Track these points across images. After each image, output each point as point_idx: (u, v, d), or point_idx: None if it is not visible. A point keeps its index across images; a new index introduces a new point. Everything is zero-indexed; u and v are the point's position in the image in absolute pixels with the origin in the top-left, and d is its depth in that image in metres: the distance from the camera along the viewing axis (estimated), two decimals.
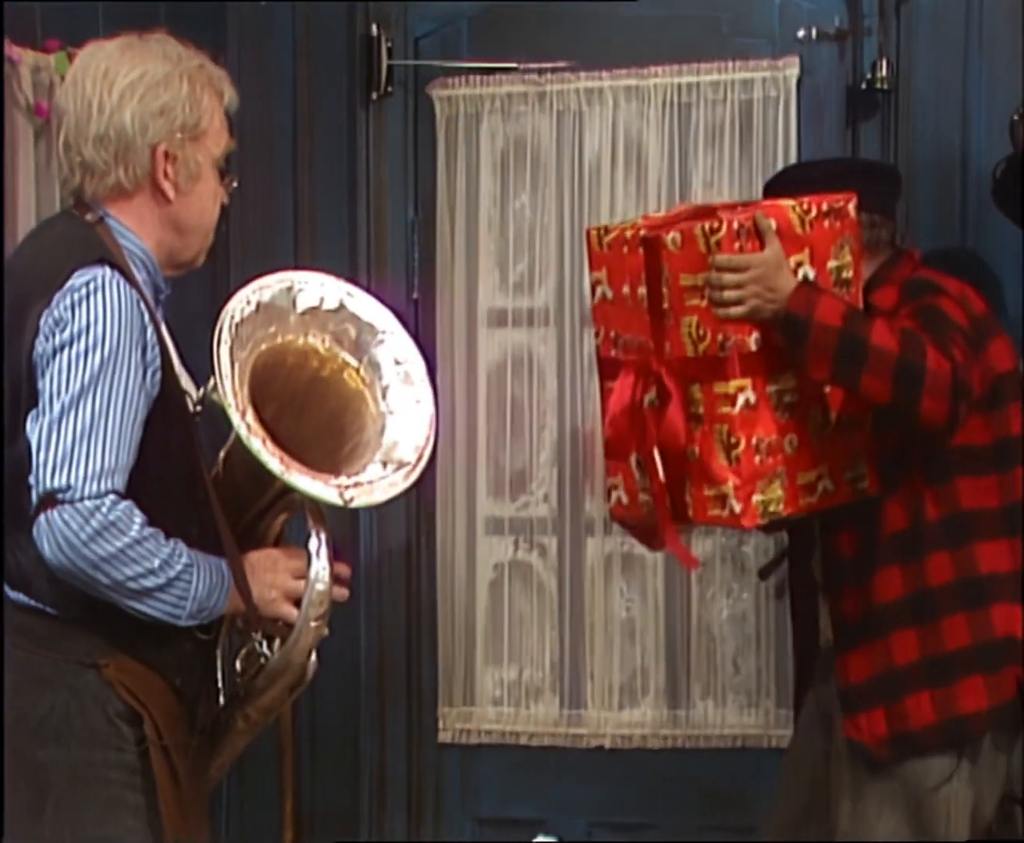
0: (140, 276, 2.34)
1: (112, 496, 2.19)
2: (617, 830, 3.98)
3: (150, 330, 2.27)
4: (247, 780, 3.84)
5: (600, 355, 2.93)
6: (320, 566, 2.29)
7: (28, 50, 3.38)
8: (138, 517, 2.21)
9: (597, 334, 2.93)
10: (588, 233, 2.92)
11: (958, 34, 3.75)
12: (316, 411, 2.40)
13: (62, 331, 2.23)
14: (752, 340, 2.72)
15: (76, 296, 2.24)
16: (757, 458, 2.72)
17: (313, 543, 2.29)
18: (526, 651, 3.99)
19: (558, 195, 3.92)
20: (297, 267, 3.91)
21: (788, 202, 2.78)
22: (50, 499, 2.19)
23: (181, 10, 3.82)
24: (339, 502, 2.25)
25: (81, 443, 2.19)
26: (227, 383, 2.23)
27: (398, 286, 3.95)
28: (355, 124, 3.94)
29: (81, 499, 2.18)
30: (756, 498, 2.72)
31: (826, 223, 2.79)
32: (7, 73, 3.35)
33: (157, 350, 2.28)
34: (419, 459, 2.35)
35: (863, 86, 3.77)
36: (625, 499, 2.89)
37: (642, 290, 2.77)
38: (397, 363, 2.40)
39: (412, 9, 3.94)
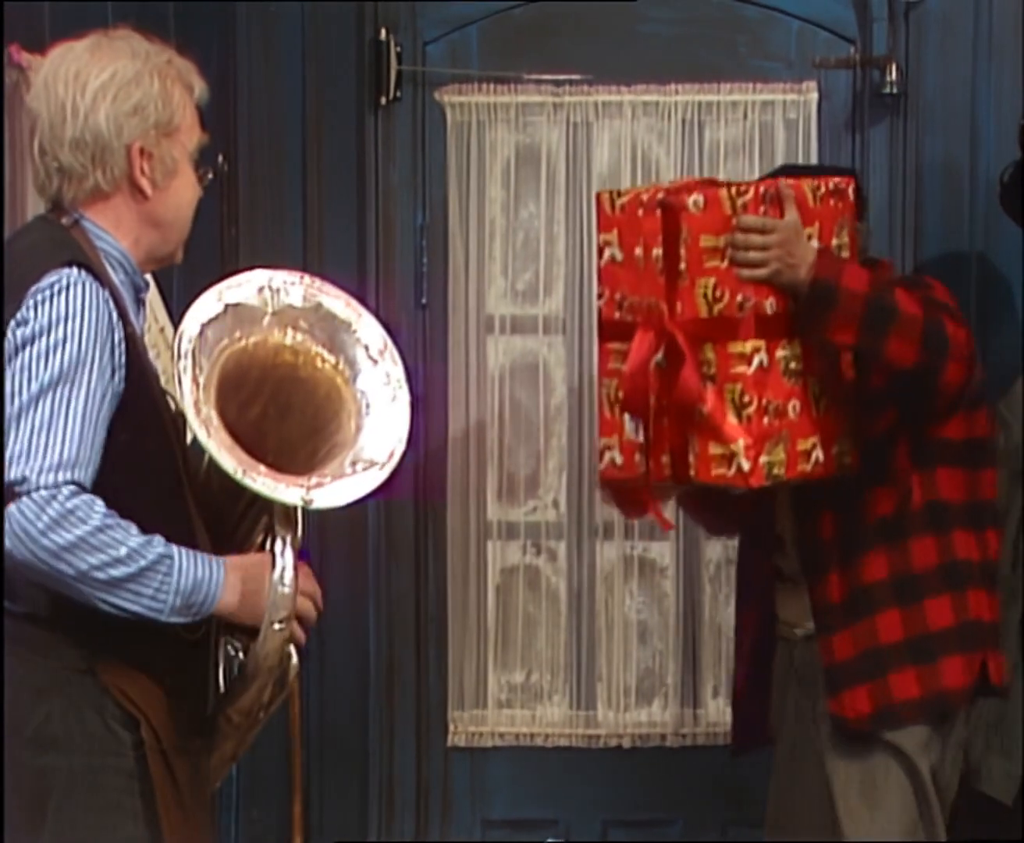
0: (117, 277, 2.33)
1: (71, 487, 2.17)
2: (632, 828, 3.99)
3: (118, 330, 2.26)
4: (256, 783, 3.84)
5: (602, 317, 2.99)
6: (282, 568, 2.25)
7: (37, 56, 3.38)
8: (100, 507, 2.18)
9: (601, 296, 2.98)
10: (599, 196, 2.97)
11: (967, 40, 3.77)
12: (299, 412, 2.37)
13: (24, 329, 2.22)
14: (768, 303, 2.81)
15: (41, 296, 2.23)
16: (766, 420, 2.80)
17: (278, 546, 2.26)
18: (535, 654, 4.00)
19: (568, 205, 3.92)
20: (306, 270, 3.98)
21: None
22: (9, 493, 2.18)
23: (190, 15, 3.83)
24: (299, 503, 2.23)
25: (39, 437, 2.17)
26: (186, 384, 2.21)
27: (407, 291, 3.95)
28: (364, 129, 3.93)
29: (37, 489, 2.16)
30: (763, 459, 2.80)
31: (832, 201, 2.90)
32: (17, 79, 3.36)
33: (123, 348, 2.26)
34: (389, 458, 2.31)
35: (872, 91, 3.78)
36: (619, 459, 2.93)
37: (657, 251, 2.84)
38: (373, 361, 2.37)
39: (421, 14, 3.93)
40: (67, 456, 2.18)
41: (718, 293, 2.80)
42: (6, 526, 2.18)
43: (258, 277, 2.35)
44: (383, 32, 3.90)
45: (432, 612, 4.00)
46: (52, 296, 2.23)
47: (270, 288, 2.34)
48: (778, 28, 3.86)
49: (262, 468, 2.23)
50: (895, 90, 3.76)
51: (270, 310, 2.33)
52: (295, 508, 2.28)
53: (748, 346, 2.80)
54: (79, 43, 2.37)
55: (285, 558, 2.26)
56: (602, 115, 3.90)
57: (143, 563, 2.20)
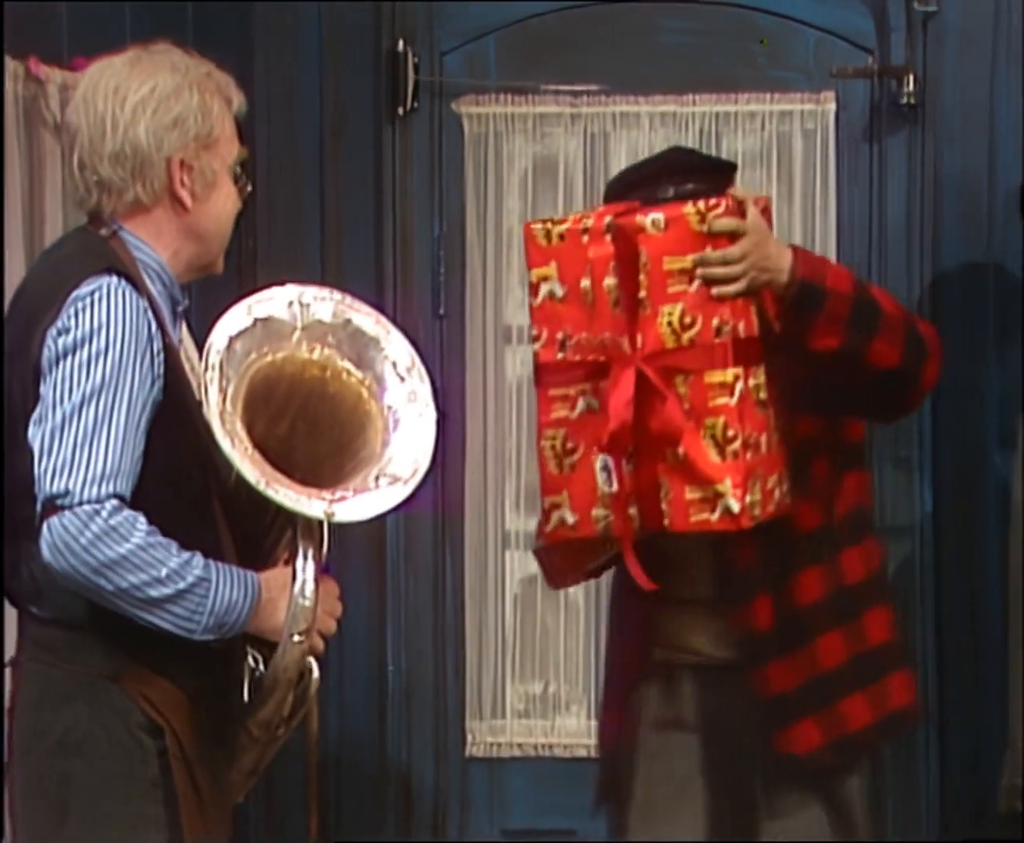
0: (155, 288, 2.34)
1: (113, 501, 2.18)
2: None
3: (157, 340, 2.26)
4: (273, 792, 3.85)
5: (540, 360, 2.68)
6: (303, 581, 2.26)
7: (55, 69, 3.39)
8: (143, 525, 2.19)
9: (537, 338, 2.69)
10: (528, 228, 2.68)
11: (985, 50, 3.76)
12: (326, 427, 2.37)
13: (66, 338, 2.23)
14: (742, 326, 2.58)
15: (80, 304, 2.24)
16: (749, 454, 2.57)
17: (299, 559, 2.26)
18: (553, 664, 3.99)
19: None
20: (324, 283, 4.01)
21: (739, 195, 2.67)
22: (51, 505, 2.18)
23: (208, 27, 3.84)
24: (321, 517, 2.23)
25: (82, 449, 2.18)
26: (213, 395, 2.21)
27: (424, 302, 3.96)
28: (381, 140, 3.94)
29: (80, 503, 2.17)
30: (748, 498, 2.57)
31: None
32: (35, 92, 3.37)
33: (162, 358, 2.27)
34: (414, 474, 2.30)
35: (890, 102, 3.78)
36: (572, 518, 2.66)
37: (609, 281, 2.62)
38: (400, 378, 2.36)
39: (439, 24, 3.94)
40: (110, 468, 2.18)
41: (687, 320, 2.56)
42: (46, 537, 2.19)
43: (288, 292, 2.35)
44: (400, 43, 3.91)
45: (450, 622, 4.00)
46: (93, 303, 2.23)
47: (300, 303, 2.34)
48: (796, 38, 3.86)
49: (284, 480, 2.23)
50: (913, 100, 3.76)
51: (299, 325, 2.33)
52: (318, 522, 2.28)
53: (729, 374, 2.54)
54: (118, 57, 2.37)
55: (307, 571, 2.26)
56: (619, 126, 3.91)
57: (182, 585, 2.21)
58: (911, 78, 3.75)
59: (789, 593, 2.75)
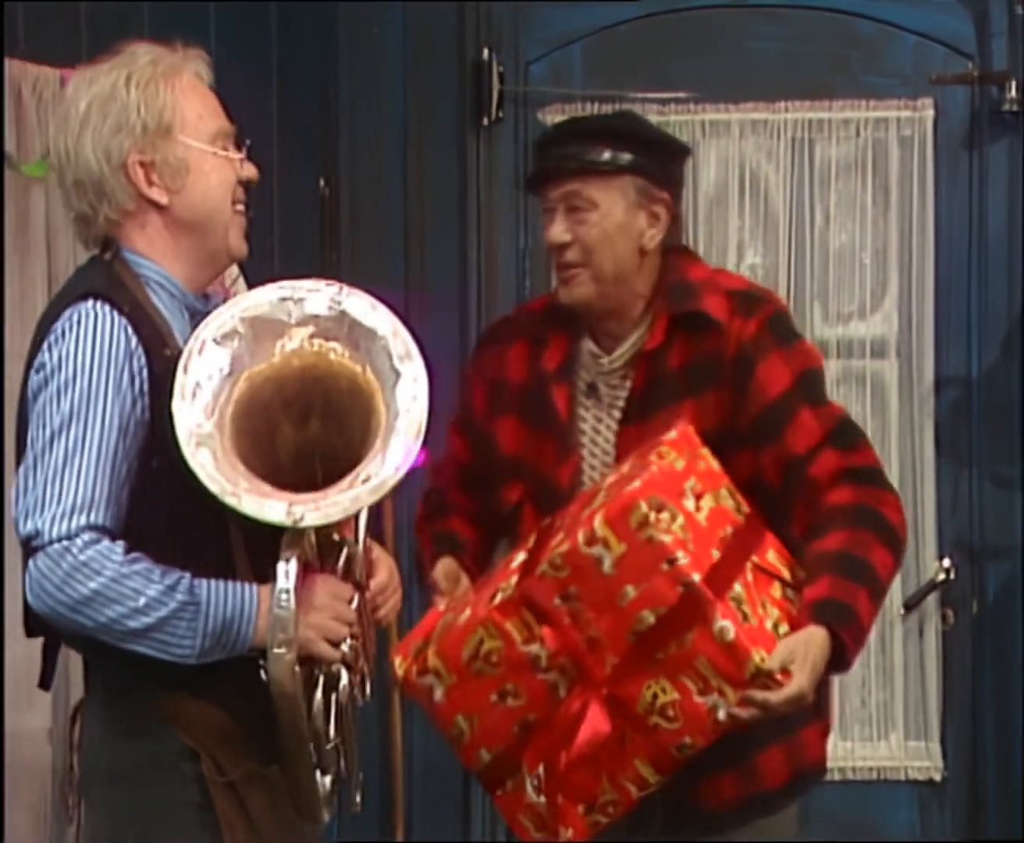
0: (161, 302, 2.27)
1: (86, 535, 2.12)
2: None
3: (139, 358, 2.19)
4: (358, 818, 3.80)
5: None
6: (280, 589, 2.14)
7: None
8: (118, 555, 2.13)
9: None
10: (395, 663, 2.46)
11: None
12: (344, 423, 2.25)
13: (39, 374, 2.19)
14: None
15: (53, 337, 2.19)
16: None
17: (280, 566, 2.15)
18: None
19: None
20: (408, 296, 3.99)
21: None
22: (27, 547, 2.15)
23: (292, 37, 3.83)
24: (287, 522, 2.11)
25: (52, 485, 2.13)
26: (176, 403, 2.13)
27: None
28: (465, 150, 3.90)
29: (50, 542, 2.11)
30: None
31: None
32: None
33: (145, 376, 2.19)
34: (395, 473, 2.14)
35: (991, 109, 3.72)
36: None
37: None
38: (396, 372, 2.20)
39: (524, 33, 3.90)
40: (80, 500, 2.13)
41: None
42: (27, 580, 2.15)
43: (278, 289, 2.23)
44: (485, 52, 3.87)
45: None
46: (64, 333, 2.18)
47: (293, 299, 2.22)
48: (893, 43, 3.79)
49: (244, 485, 2.12)
50: (1015, 107, 3.70)
51: (294, 320, 2.21)
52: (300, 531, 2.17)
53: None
54: (75, 77, 2.30)
55: (286, 580, 2.14)
56: (709, 134, 3.85)
57: (163, 613, 2.14)
58: (1013, 84, 3.69)
59: None
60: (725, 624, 2.29)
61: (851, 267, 3.85)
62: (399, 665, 2.45)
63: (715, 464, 2.45)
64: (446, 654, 2.41)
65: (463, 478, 2.72)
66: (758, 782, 2.53)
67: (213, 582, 2.18)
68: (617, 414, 2.55)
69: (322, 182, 3.83)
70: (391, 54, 3.90)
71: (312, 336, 2.21)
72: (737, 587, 2.34)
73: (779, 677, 2.29)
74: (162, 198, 2.27)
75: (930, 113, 3.77)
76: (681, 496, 2.35)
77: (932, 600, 3.84)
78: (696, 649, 2.30)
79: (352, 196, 3.90)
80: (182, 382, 2.15)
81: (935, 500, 3.83)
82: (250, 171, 2.34)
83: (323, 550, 2.27)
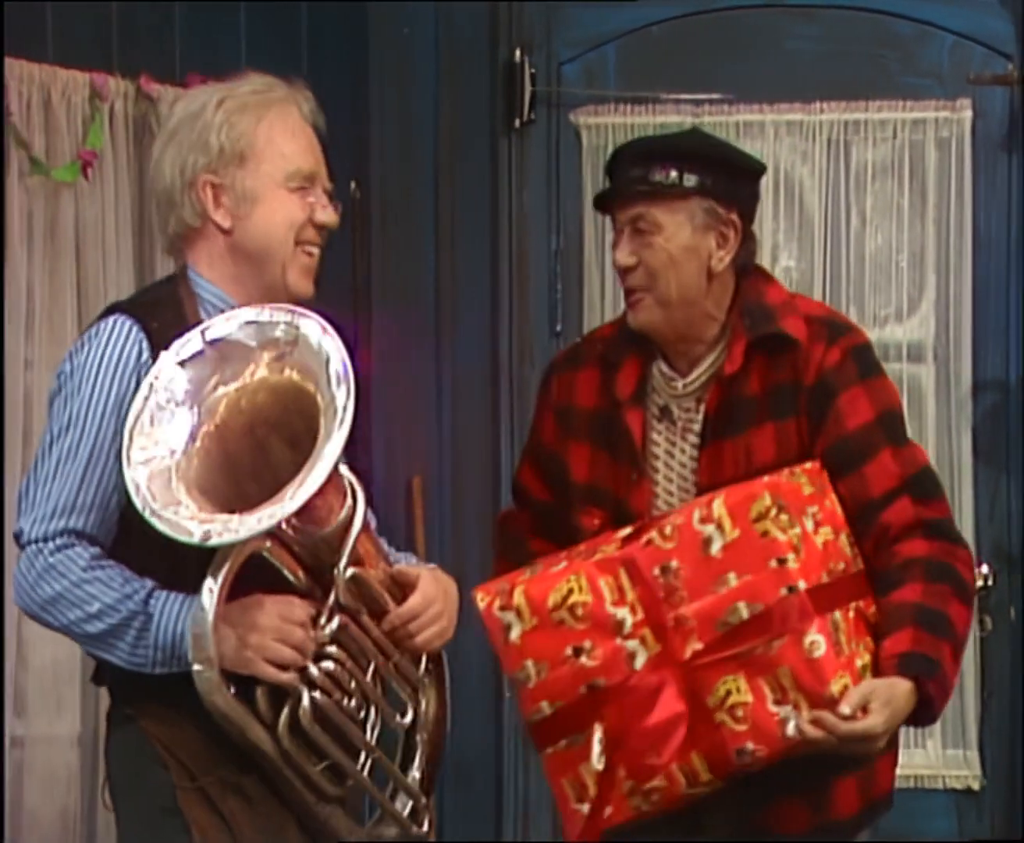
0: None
1: (59, 539, 2.21)
2: None
3: (146, 371, 2.22)
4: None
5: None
6: (199, 608, 2.15)
7: (167, 86, 3.39)
8: (83, 560, 2.20)
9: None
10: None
11: None
12: (302, 443, 2.24)
13: (57, 380, 2.27)
14: None
15: (75, 347, 2.27)
16: None
17: (205, 584, 2.15)
18: None
19: None
20: (439, 299, 4.00)
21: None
22: (17, 545, 2.25)
23: (321, 39, 3.82)
24: (195, 541, 2.12)
25: (42, 488, 2.23)
26: (132, 420, 2.17)
27: (541, 319, 3.90)
28: (497, 152, 3.88)
29: (29, 543, 2.22)
30: None
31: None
32: (146, 110, 3.38)
33: None
34: (294, 496, 2.12)
35: None
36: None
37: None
38: (333, 397, 2.18)
39: (556, 34, 3.88)
40: (62, 505, 2.21)
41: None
42: (13, 578, 2.26)
43: (245, 313, 2.25)
44: (517, 53, 3.85)
45: None
46: (83, 345, 2.26)
47: (258, 322, 2.24)
48: (931, 43, 3.77)
49: (172, 507, 2.13)
50: None
51: (255, 344, 2.23)
52: (229, 545, 2.15)
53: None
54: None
55: (209, 598, 2.14)
56: (743, 135, 3.82)
57: (114, 620, 2.19)
58: None
59: None
60: (817, 639, 2.28)
61: (887, 270, 3.82)
62: (481, 598, 2.42)
63: (840, 510, 2.43)
64: (532, 596, 2.39)
65: (539, 522, 2.68)
66: (830, 810, 2.50)
67: (173, 596, 2.20)
68: (692, 438, 2.52)
69: (353, 185, 3.82)
70: (422, 55, 3.88)
71: (277, 359, 2.21)
72: (837, 615, 2.33)
73: (857, 713, 2.27)
74: (226, 222, 2.31)
75: (968, 114, 3.75)
76: (802, 514, 2.34)
77: None
78: (782, 656, 2.29)
79: (383, 199, 3.89)
80: (141, 402, 2.18)
81: (972, 506, 3.80)
82: (329, 216, 2.37)
83: (315, 575, 2.26)
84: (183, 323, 2.26)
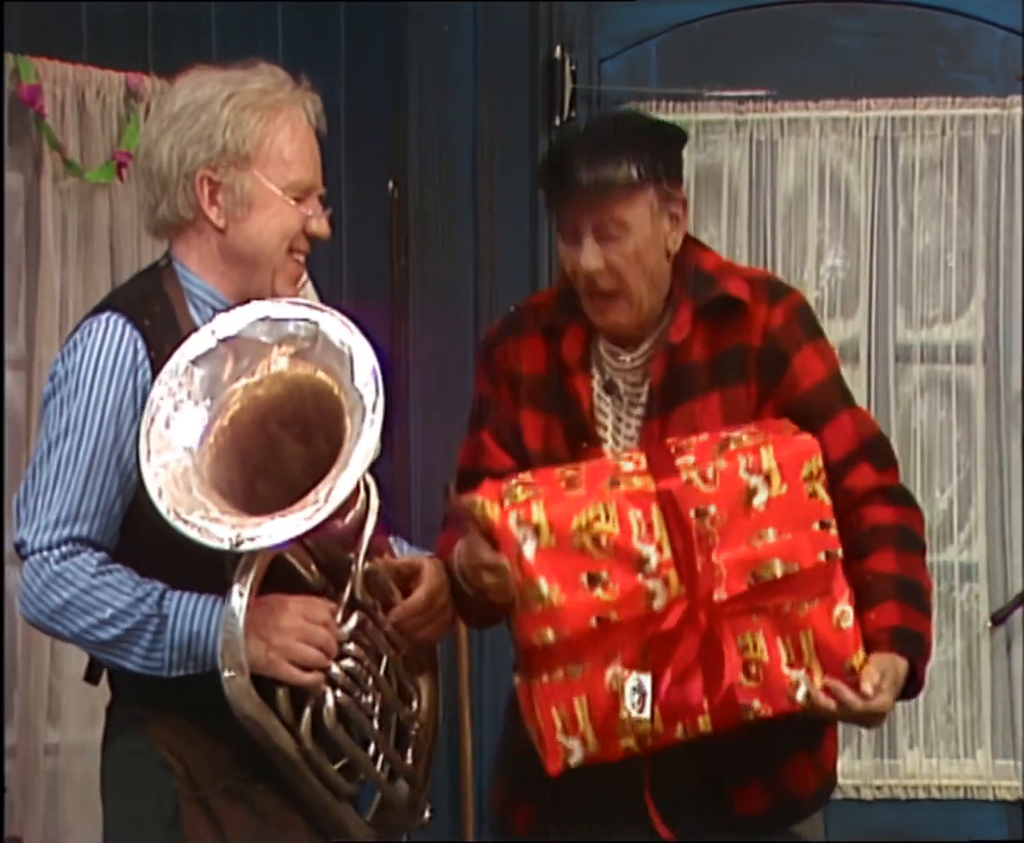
0: (202, 316, 2.27)
1: (64, 547, 2.19)
2: None
3: (144, 373, 2.21)
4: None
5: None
6: (229, 612, 2.13)
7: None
8: (91, 566, 2.18)
9: None
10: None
11: None
12: (321, 441, 2.23)
13: (51, 382, 2.24)
14: None
15: (67, 349, 2.25)
16: None
17: (233, 589, 2.14)
18: None
19: (751, 227, 3.81)
20: (478, 298, 3.96)
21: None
22: (19, 556, 2.22)
23: (360, 35, 3.80)
24: (226, 547, 2.10)
25: (41, 497, 2.20)
26: (146, 424, 2.14)
27: None
28: (538, 149, 3.82)
29: (32, 552, 2.20)
30: None
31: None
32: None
33: (149, 390, 2.19)
34: (328, 498, 2.10)
35: None
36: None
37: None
38: (360, 396, 2.17)
39: (598, 30, 3.83)
40: (64, 513, 2.19)
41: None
42: (18, 589, 2.23)
43: (257, 309, 2.24)
44: (558, 50, 3.81)
45: None
46: (75, 345, 2.23)
47: (271, 319, 2.22)
48: (981, 39, 3.72)
49: (200, 510, 2.11)
50: None
51: (270, 340, 2.21)
52: (253, 552, 2.13)
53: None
54: (186, 77, 2.31)
55: (231, 601, 2.13)
56: (787, 132, 3.79)
57: (129, 624, 2.17)
58: None
59: None
60: (847, 609, 2.28)
61: (935, 270, 3.78)
62: (489, 507, 2.29)
63: None
64: (554, 515, 2.27)
65: None
66: (785, 786, 2.47)
67: (186, 596, 2.19)
68: (638, 411, 2.46)
69: (391, 183, 3.79)
70: (461, 53, 3.84)
71: (294, 355, 2.19)
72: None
73: (871, 690, 2.27)
74: (220, 221, 2.28)
75: (1018, 111, 3.70)
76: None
77: (1020, 614, 3.77)
78: (808, 620, 2.27)
79: (421, 197, 3.85)
80: (155, 404, 2.16)
81: (1022, 511, 3.74)
82: (322, 228, 2.33)
83: (329, 571, 2.25)
84: (173, 319, 2.25)
